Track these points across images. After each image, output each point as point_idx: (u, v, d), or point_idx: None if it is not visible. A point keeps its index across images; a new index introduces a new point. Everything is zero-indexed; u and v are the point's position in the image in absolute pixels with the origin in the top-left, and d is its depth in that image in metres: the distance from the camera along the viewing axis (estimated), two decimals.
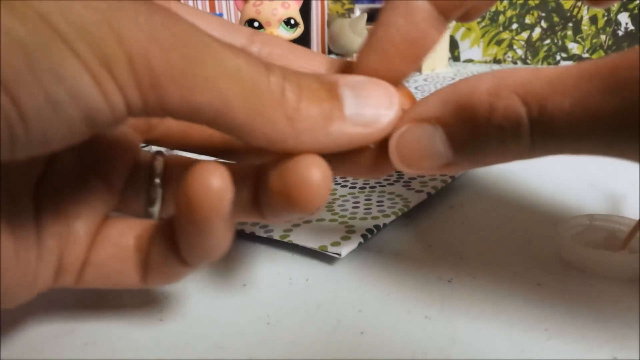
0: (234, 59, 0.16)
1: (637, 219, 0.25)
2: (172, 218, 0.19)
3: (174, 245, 0.19)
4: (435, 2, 0.19)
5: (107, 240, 0.20)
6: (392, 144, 0.19)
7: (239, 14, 0.54)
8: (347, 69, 0.21)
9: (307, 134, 0.17)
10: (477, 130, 0.17)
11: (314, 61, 0.21)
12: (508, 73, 0.17)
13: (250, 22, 0.52)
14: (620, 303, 0.22)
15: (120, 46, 0.14)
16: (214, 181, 0.16)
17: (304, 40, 0.59)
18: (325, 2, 1.05)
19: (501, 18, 0.94)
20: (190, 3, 0.84)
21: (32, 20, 0.13)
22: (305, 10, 0.57)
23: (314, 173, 0.17)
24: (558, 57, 0.91)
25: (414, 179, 0.35)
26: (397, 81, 0.20)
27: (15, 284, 0.18)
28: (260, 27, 0.52)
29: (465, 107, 0.17)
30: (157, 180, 0.21)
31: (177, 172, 0.21)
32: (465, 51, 0.98)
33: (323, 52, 1.06)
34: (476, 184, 0.36)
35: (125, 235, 0.20)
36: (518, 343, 0.20)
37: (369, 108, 0.18)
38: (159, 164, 0.21)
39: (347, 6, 1.01)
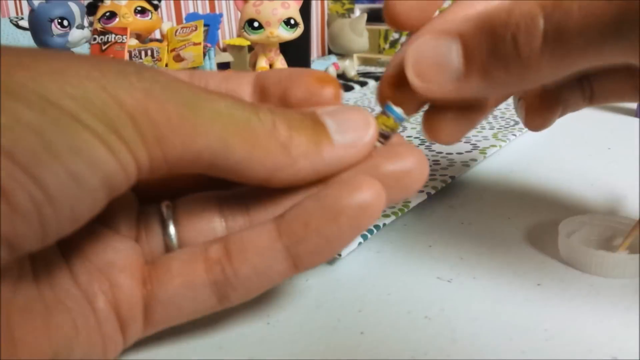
0: (224, 102, 0.17)
1: (637, 219, 0.25)
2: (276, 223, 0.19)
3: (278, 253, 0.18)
4: None
5: (169, 274, 0.19)
6: (409, 55, 0.19)
7: (239, 14, 0.54)
8: (268, 78, 0.22)
9: (303, 160, 0.18)
10: (493, 33, 0.18)
11: (242, 80, 0.22)
12: None
13: (250, 22, 0.52)
14: (620, 303, 0.22)
15: (121, 108, 0.14)
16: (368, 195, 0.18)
17: (304, 40, 0.59)
18: (325, 2, 1.04)
19: None
20: (191, 3, 0.84)
21: (37, 103, 0.14)
22: (305, 10, 0.57)
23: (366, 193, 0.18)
24: None
25: None
26: (428, 16, 0.21)
27: (86, 356, 0.17)
28: (260, 27, 0.52)
29: (486, 18, 0.18)
30: (172, 227, 0.20)
31: (186, 211, 0.21)
32: None
33: (323, 52, 1.06)
34: (476, 184, 0.36)
35: (191, 263, 0.19)
36: (518, 343, 0.20)
37: (351, 131, 0.19)
38: (167, 210, 0.20)
39: (347, 6, 1.01)
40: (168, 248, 0.20)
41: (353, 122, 0.19)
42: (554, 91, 0.27)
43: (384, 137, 0.20)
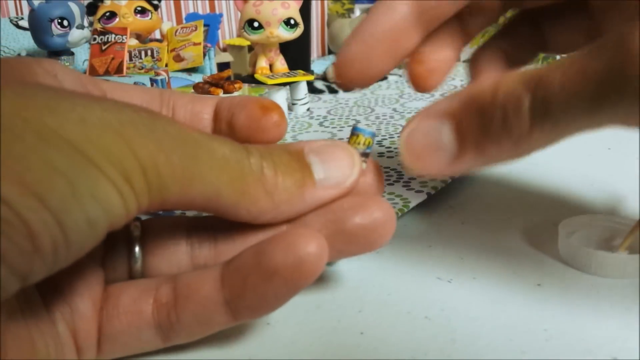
0: (220, 149, 0.18)
1: (637, 219, 0.25)
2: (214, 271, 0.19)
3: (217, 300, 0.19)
4: (413, 7, 0.22)
5: (117, 310, 0.19)
6: (402, 140, 0.20)
7: (239, 14, 0.54)
8: (223, 103, 0.23)
9: (285, 205, 0.19)
10: (481, 114, 0.18)
11: (206, 103, 0.23)
12: (514, 72, 0.18)
13: (250, 22, 0.52)
14: (620, 303, 0.22)
15: (136, 160, 0.15)
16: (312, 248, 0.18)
17: (304, 40, 0.59)
18: (325, 2, 1.04)
19: (501, 18, 0.94)
20: (191, 3, 0.84)
21: (65, 149, 0.14)
22: (305, 10, 0.57)
23: (311, 247, 0.18)
24: (558, 57, 0.91)
25: (413, 179, 0.35)
26: (376, 76, 0.22)
27: None
28: (260, 27, 0.52)
29: (471, 97, 0.19)
30: (137, 250, 0.20)
31: (154, 233, 0.21)
32: (466, 51, 0.98)
33: (323, 52, 1.06)
34: (476, 184, 0.36)
35: (140, 302, 0.19)
36: (518, 343, 0.20)
37: (335, 170, 0.20)
38: (136, 230, 0.21)
39: (347, 6, 1.01)
40: (132, 270, 0.20)
41: (338, 162, 0.20)
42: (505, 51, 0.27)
43: (364, 155, 0.21)
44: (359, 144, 0.21)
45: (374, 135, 0.22)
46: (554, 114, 0.17)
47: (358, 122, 0.22)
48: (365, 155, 0.21)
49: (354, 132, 0.21)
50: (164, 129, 0.16)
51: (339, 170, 0.20)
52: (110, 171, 0.15)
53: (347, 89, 0.23)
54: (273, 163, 0.19)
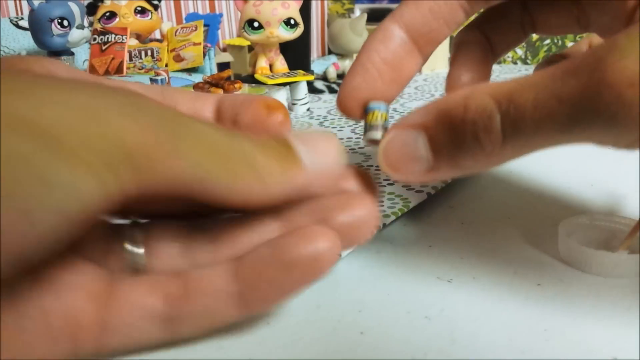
0: (210, 131, 0.17)
1: (637, 219, 0.25)
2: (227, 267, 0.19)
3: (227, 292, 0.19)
4: (409, 32, 0.22)
5: (126, 302, 0.19)
6: (380, 149, 0.20)
7: (239, 14, 0.54)
8: (225, 102, 0.23)
9: (274, 187, 0.19)
10: (454, 129, 0.19)
11: (207, 101, 0.23)
12: (486, 84, 0.18)
13: (250, 22, 0.52)
14: (620, 303, 0.22)
15: (122, 146, 0.15)
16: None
17: (304, 40, 0.59)
18: (325, 2, 1.04)
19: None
20: (191, 3, 0.84)
21: (38, 136, 0.13)
22: (305, 10, 0.57)
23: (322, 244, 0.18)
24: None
25: None
26: (385, 101, 0.23)
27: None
28: (260, 27, 0.52)
29: (444, 111, 0.19)
30: (140, 250, 0.20)
31: (156, 236, 0.21)
32: None
33: (323, 52, 1.06)
34: (476, 184, 0.36)
35: (150, 294, 0.19)
36: (518, 343, 0.20)
37: (321, 156, 0.20)
38: (139, 232, 0.21)
39: (347, 6, 1.01)
40: (134, 269, 0.20)
41: (323, 149, 0.20)
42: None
43: (384, 128, 0.22)
44: (376, 119, 0.22)
45: (388, 109, 0.22)
46: (526, 132, 0.17)
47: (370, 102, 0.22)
48: (384, 129, 0.22)
49: (369, 109, 0.22)
50: (153, 112, 0.16)
51: (324, 156, 0.20)
52: (89, 158, 0.14)
53: (353, 119, 0.24)
54: (262, 147, 0.19)
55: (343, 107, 0.23)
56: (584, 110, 0.16)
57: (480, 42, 0.27)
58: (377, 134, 0.22)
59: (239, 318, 0.19)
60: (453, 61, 0.27)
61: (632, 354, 0.19)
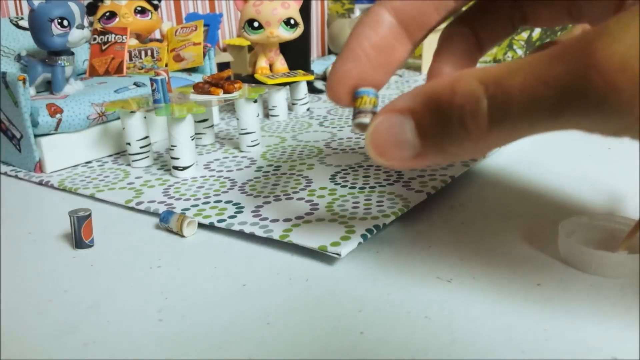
0: None
1: (637, 219, 0.25)
2: None
3: None
4: (398, 17, 0.22)
5: None
6: (368, 134, 0.20)
7: (239, 14, 0.54)
8: None
9: None
10: (440, 113, 0.18)
11: None
12: (475, 68, 0.18)
13: (250, 22, 0.52)
14: (620, 303, 0.22)
15: None
16: None
17: (304, 40, 0.59)
18: (325, 2, 1.04)
19: None
20: (191, 3, 0.84)
21: None
22: (305, 10, 0.57)
23: None
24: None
25: (413, 179, 0.35)
26: (374, 87, 0.23)
27: None
28: (260, 27, 0.52)
29: (431, 95, 0.19)
30: None
31: None
32: None
33: (323, 52, 1.06)
34: (476, 184, 0.36)
35: None
36: (518, 343, 0.20)
37: None
38: None
39: (347, 6, 1.01)
40: None
41: None
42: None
43: (373, 113, 0.22)
44: (365, 104, 0.22)
45: (377, 95, 0.22)
46: (513, 117, 0.17)
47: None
48: (373, 113, 0.22)
49: (358, 94, 0.22)
50: None
51: None
52: None
53: (343, 106, 0.23)
54: None
55: (332, 93, 0.23)
56: (571, 94, 0.16)
57: (466, 36, 0.27)
58: (366, 119, 0.22)
59: None
60: (436, 55, 0.27)
61: (632, 354, 0.19)
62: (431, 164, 0.20)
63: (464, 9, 0.26)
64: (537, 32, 0.94)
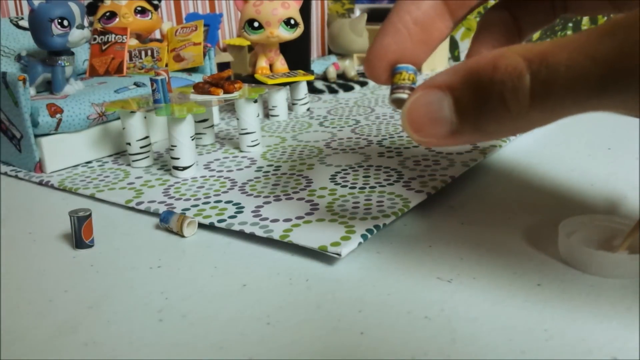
0: None
1: (637, 219, 0.25)
2: None
3: None
4: None
5: None
6: (404, 109, 0.20)
7: (239, 14, 0.54)
8: None
9: None
10: (480, 89, 0.18)
11: None
12: (518, 44, 0.18)
13: (250, 22, 0.52)
14: (620, 303, 0.22)
15: None
16: None
17: (304, 40, 0.59)
18: (325, 2, 1.04)
19: None
20: (191, 3, 0.84)
21: None
22: (305, 10, 0.57)
23: None
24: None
25: (413, 179, 0.35)
26: (413, 64, 0.22)
27: None
28: (260, 27, 0.52)
29: (472, 70, 0.18)
30: None
31: None
32: (465, 51, 0.98)
33: (323, 52, 1.06)
34: (476, 184, 0.36)
35: None
36: (518, 343, 0.20)
37: None
38: None
39: (347, 6, 1.01)
40: None
41: None
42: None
43: (410, 89, 0.22)
44: (404, 79, 0.22)
45: (416, 72, 0.22)
46: (556, 94, 0.17)
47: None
48: (410, 89, 0.22)
49: (397, 70, 0.22)
50: None
51: None
52: None
53: (380, 83, 0.23)
54: None
55: (370, 70, 0.23)
56: (618, 71, 0.16)
57: (506, 21, 0.26)
58: (403, 95, 0.21)
59: None
60: (475, 38, 0.27)
61: (632, 354, 0.19)
62: (467, 142, 0.20)
63: None
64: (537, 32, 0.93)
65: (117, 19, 0.57)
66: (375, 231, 0.28)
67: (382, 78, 0.23)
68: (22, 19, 0.53)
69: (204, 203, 0.33)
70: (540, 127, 0.18)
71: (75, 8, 0.45)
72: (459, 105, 0.19)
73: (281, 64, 0.57)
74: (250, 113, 0.44)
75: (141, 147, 0.42)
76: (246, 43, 0.69)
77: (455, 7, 0.22)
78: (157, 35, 0.68)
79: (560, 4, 0.26)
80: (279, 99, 0.55)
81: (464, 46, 0.99)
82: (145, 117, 0.41)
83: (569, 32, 0.90)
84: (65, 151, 0.42)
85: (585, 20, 0.88)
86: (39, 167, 0.41)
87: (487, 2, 0.25)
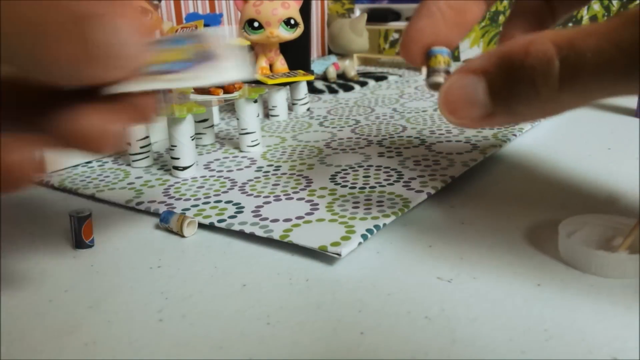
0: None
1: (637, 219, 0.25)
2: None
3: None
4: None
5: None
6: (441, 92, 0.21)
7: (239, 14, 0.54)
8: None
9: (61, 74, 0.19)
10: (512, 74, 0.19)
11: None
12: (550, 30, 0.19)
13: (250, 22, 0.52)
14: (620, 303, 0.22)
15: None
16: None
17: (304, 40, 0.59)
18: (325, 2, 1.04)
19: (501, 18, 0.94)
20: (191, 3, 0.84)
21: None
22: (305, 10, 0.57)
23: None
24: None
25: (414, 179, 0.35)
26: (448, 47, 0.23)
27: None
28: (260, 27, 0.52)
29: (505, 56, 0.19)
30: None
31: None
32: (465, 51, 0.98)
33: (323, 52, 1.05)
34: (476, 184, 0.36)
35: None
36: (518, 343, 0.20)
37: (121, 56, 0.20)
38: None
39: (347, 6, 1.01)
40: None
41: (128, 46, 0.20)
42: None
43: (447, 72, 0.22)
44: (440, 63, 0.22)
45: (450, 54, 0.23)
46: (583, 79, 0.17)
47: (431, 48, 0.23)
48: (447, 73, 0.22)
49: (432, 53, 0.23)
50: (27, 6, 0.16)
51: (126, 52, 0.20)
52: None
53: (415, 65, 0.24)
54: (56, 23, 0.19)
55: (405, 52, 0.23)
56: None
57: (539, 3, 0.27)
58: (440, 78, 0.22)
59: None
60: (508, 20, 0.27)
61: (632, 354, 0.19)
62: (500, 124, 0.21)
63: None
64: None
65: None
66: (375, 231, 0.28)
67: (417, 60, 0.23)
68: None
69: (204, 203, 0.33)
70: (569, 110, 0.19)
71: None
72: (493, 88, 0.20)
73: (281, 64, 0.57)
74: (250, 113, 0.44)
75: (141, 147, 0.42)
76: (246, 43, 0.69)
77: None
78: (157, 35, 0.68)
79: None
80: (279, 99, 0.55)
81: (464, 46, 0.99)
82: None
83: None
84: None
85: (586, 20, 0.88)
86: None
87: None
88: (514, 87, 0.19)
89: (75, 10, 0.18)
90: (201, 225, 0.31)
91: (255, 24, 0.53)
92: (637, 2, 0.82)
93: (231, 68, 0.21)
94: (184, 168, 0.39)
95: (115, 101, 0.20)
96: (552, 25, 0.28)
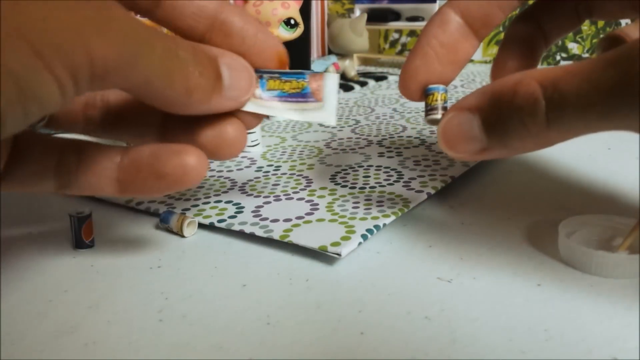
0: (160, 45, 0.19)
1: (637, 219, 0.25)
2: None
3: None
4: (465, 17, 0.24)
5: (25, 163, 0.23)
6: (439, 129, 0.22)
7: None
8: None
9: (196, 104, 0.21)
10: (503, 112, 0.20)
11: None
12: (537, 69, 0.20)
13: None
14: (620, 303, 0.22)
15: (87, 56, 0.16)
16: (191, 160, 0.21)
17: (304, 40, 0.59)
18: (325, 2, 1.04)
19: None
20: None
21: (23, 49, 0.15)
22: (305, 10, 0.57)
23: (190, 159, 0.21)
24: (558, 57, 0.91)
25: (413, 179, 0.35)
26: (443, 83, 0.24)
27: None
28: None
29: (495, 95, 0.20)
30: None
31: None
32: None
33: (323, 52, 1.05)
34: (476, 184, 0.36)
35: (45, 159, 0.23)
36: (518, 343, 0.20)
37: (238, 88, 0.22)
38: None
39: (347, 6, 1.02)
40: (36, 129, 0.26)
41: (241, 81, 0.22)
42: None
43: (444, 109, 0.24)
44: (437, 100, 0.24)
45: (446, 90, 0.24)
46: (568, 117, 0.18)
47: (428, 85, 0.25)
48: (444, 109, 0.24)
49: (429, 91, 0.24)
50: (119, 28, 0.17)
51: (240, 88, 0.22)
52: (59, 69, 0.16)
53: (414, 101, 0.25)
54: (199, 65, 0.21)
55: (404, 90, 0.25)
56: (620, 100, 0.17)
57: (531, 29, 0.28)
58: (437, 115, 0.24)
59: (115, 195, 0.23)
60: (502, 47, 0.28)
61: (632, 354, 0.19)
62: (497, 157, 0.22)
63: (530, 2, 0.26)
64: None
65: None
66: (375, 231, 0.28)
67: (415, 97, 0.25)
68: None
69: (204, 203, 0.33)
70: (562, 142, 0.20)
71: None
72: (487, 125, 0.21)
73: None
74: None
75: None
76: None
77: (479, 27, 0.24)
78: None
79: (584, 8, 0.27)
80: None
81: None
82: None
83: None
84: None
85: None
86: None
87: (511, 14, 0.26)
88: (506, 124, 0.20)
89: (210, 53, 0.21)
90: (201, 225, 0.31)
91: None
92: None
93: (331, 114, 0.24)
94: None
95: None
96: (545, 49, 0.29)
